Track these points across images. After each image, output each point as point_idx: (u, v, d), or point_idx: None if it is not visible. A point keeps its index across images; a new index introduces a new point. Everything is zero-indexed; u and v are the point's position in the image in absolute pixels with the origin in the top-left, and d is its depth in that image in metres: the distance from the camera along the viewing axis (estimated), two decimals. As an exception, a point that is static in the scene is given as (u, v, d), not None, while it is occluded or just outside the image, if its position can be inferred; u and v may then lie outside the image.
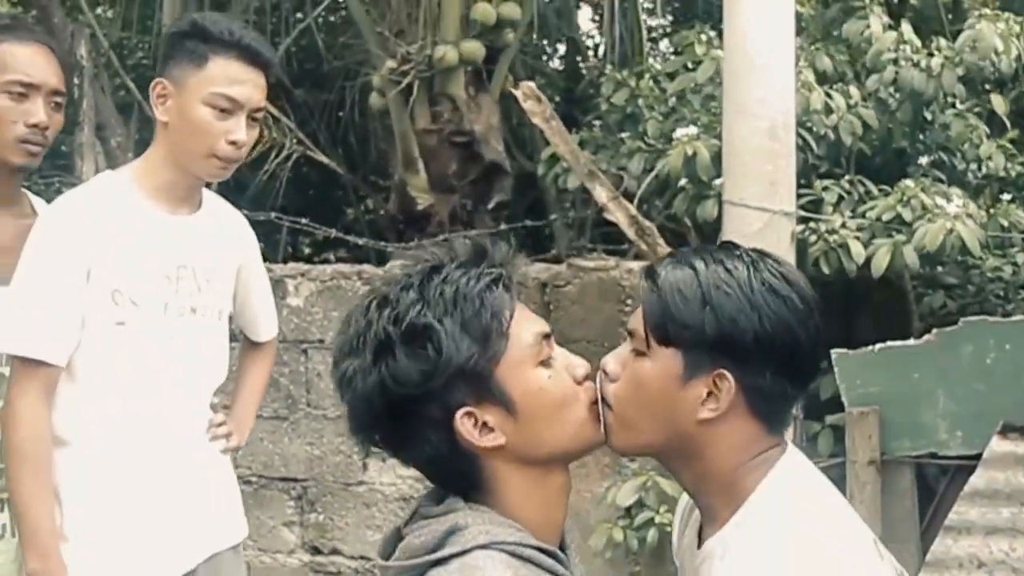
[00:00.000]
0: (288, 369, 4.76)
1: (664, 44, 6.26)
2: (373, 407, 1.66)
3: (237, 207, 3.00)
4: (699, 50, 4.76)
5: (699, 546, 1.79)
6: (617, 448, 1.79)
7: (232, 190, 3.16)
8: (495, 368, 1.65)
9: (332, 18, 6.62)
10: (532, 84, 4.38)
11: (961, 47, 4.43)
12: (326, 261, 6.11)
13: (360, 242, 5.00)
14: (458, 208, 5.77)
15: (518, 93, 4.33)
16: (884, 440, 4.05)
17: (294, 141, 5.79)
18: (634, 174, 4.58)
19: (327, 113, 6.56)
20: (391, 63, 5.52)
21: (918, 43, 4.49)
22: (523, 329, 1.68)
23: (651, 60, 6.08)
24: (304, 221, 4.99)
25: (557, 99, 6.83)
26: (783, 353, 1.68)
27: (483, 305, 1.65)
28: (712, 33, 4.98)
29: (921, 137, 5.03)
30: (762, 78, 4.05)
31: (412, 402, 1.64)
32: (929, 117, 4.99)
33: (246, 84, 2.69)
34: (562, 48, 7.85)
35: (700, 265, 1.70)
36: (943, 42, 4.59)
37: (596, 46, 7.27)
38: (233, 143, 2.67)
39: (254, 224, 3.07)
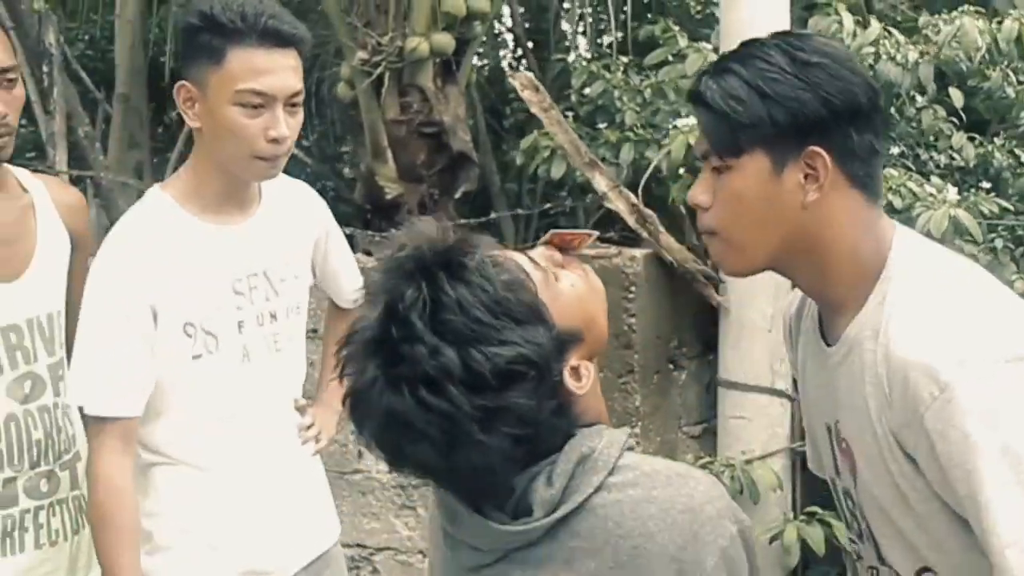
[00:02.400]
0: (279, 359, 4.72)
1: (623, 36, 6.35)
2: (503, 473, 1.55)
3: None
4: (682, 42, 4.84)
5: (828, 344, 1.82)
6: (738, 272, 1.83)
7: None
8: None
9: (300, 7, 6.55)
10: (530, 74, 4.42)
11: (944, 40, 4.58)
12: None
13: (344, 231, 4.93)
14: (426, 197, 5.77)
15: (515, 83, 4.37)
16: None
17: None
18: (626, 163, 4.66)
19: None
20: (362, 54, 5.50)
21: (901, 38, 4.64)
22: (542, 267, 1.62)
23: (609, 50, 6.18)
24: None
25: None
26: (855, 111, 1.74)
27: (511, 288, 1.53)
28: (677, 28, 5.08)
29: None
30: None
31: (532, 419, 1.51)
32: (892, 111, 5.16)
33: (275, 72, 2.42)
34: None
35: (738, 67, 1.75)
36: (921, 36, 4.75)
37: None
38: (274, 140, 2.44)
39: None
